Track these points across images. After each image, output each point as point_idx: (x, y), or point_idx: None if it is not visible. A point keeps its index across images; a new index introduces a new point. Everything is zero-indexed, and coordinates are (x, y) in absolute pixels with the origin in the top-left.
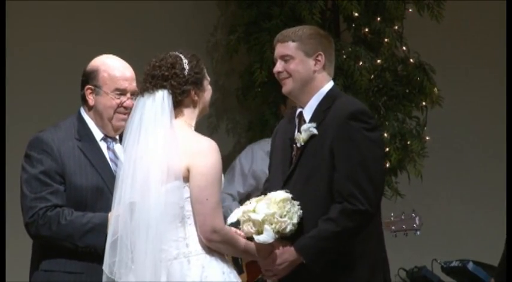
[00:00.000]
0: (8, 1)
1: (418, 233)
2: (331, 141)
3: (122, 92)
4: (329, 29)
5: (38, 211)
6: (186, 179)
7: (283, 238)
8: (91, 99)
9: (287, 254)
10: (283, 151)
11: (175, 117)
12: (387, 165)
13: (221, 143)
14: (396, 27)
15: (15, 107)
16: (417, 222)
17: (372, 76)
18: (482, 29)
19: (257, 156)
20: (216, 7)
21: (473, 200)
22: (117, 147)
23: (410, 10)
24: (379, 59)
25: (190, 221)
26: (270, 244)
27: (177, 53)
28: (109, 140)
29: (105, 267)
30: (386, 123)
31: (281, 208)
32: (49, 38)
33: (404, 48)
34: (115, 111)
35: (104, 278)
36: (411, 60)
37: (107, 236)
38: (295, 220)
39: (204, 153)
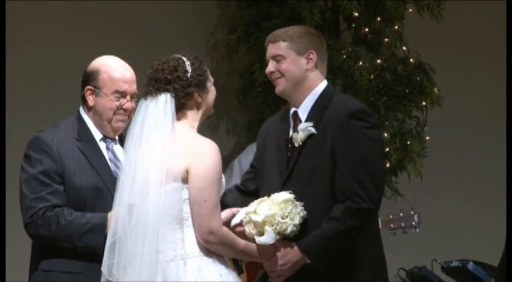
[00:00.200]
0: (8, 1)
1: (417, 230)
2: (331, 140)
3: (122, 94)
4: (329, 29)
5: (37, 211)
6: (185, 180)
7: (285, 239)
8: (91, 99)
9: (290, 254)
10: (279, 151)
11: (179, 119)
12: (387, 165)
13: (221, 143)
14: (396, 27)
15: (15, 107)
16: (416, 219)
17: (372, 76)
18: (482, 29)
19: None
20: (216, 7)
21: (473, 200)
22: (116, 147)
23: (410, 10)
24: (379, 59)
25: (189, 222)
26: (273, 245)
27: (179, 56)
28: (108, 140)
29: (104, 268)
30: (386, 123)
31: (282, 209)
32: (49, 38)
33: (404, 48)
34: (114, 113)
35: (103, 279)
36: (411, 60)
37: (106, 236)
38: (296, 221)
39: (204, 154)
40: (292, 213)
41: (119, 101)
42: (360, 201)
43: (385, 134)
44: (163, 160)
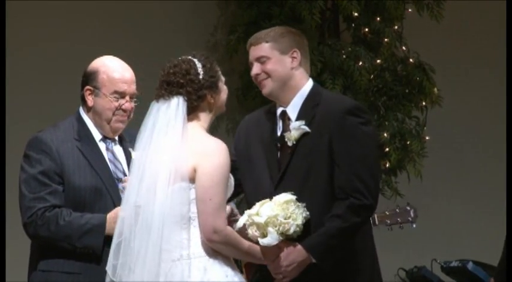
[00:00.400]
0: (8, 1)
1: (414, 225)
2: (329, 138)
3: (121, 95)
4: (329, 29)
5: (37, 211)
6: (193, 180)
7: (288, 239)
8: (90, 100)
9: (294, 254)
10: (266, 153)
11: (190, 121)
12: (387, 165)
13: None
14: (396, 27)
15: (15, 107)
16: (412, 214)
17: (372, 76)
18: (482, 29)
19: None
20: (216, 7)
21: (473, 200)
22: (116, 148)
23: (410, 10)
24: (379, 59)
25: (196, 223)
26: (276, 246)
27: (190, 58)
28: (108, 140)
29: (109, 268)
30: (386, 123)
31: (285, 210)
32: (49, 38)
33: (404, 48)
34: (113, 114)
35: (107, 279)
36: (411, 60)
37: (104, 237)
38: (299, 221)
39: (211, 153)
40: (295, 214)
41: (118, 101)
42: (361, 198)
43: (385, 134)
44: (172, 160)
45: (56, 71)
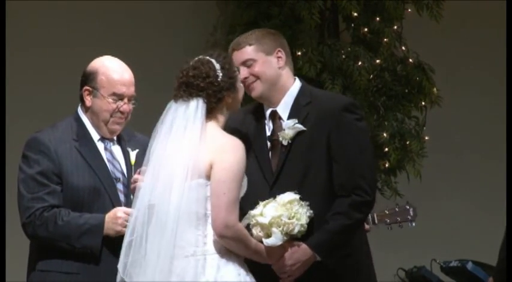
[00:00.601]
0: (8, 1)
1: (413, 224)
2: (327, 135)
3: (119, 97)
4: (328, 29)
5: (35, 211)
6: (209, 177)
7: (292, 239)
8: (88, 100)
9: (299, 253)
10: (258, 154)
11: (208, 120)
12: (386, 165)
13: None
14: (395, 27)
15: (15, 107)
16: (411, 213)
17: (371, 76)
18: (482, 29)
19: None
20: (215, 7)
21: (473, 200)
22: (114, 148)
23: (409, 10)
24: (378, 59)
25: (210, 220)
26: (281, 246)
27: (208, 58)
28: (106, 140)
29: (120, 266)
30: (386, 123)
31: (288, 210)
32: (49, 38)
33: (403, 48)
34: (111, 115)
35: (118, 278)
36: (410, 60)
37: (103, 237)
38: (303, 221)
39: (228, 150)
40: (299, 214)
41: (116, 103)
42: (363, 194)
43: (385, 134)
44: (189, 157)
45: (56, 71)
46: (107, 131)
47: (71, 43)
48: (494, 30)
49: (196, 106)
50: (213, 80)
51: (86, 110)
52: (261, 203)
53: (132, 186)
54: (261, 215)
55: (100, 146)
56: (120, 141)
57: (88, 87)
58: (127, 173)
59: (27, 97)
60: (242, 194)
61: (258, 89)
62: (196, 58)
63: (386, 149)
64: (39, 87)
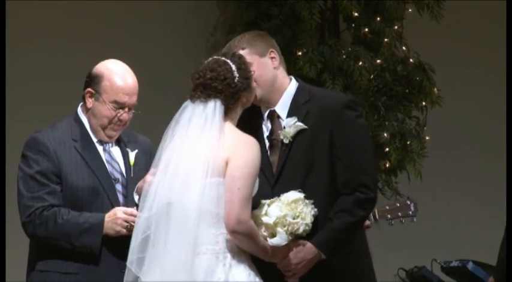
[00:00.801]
0: (8, 1)
1: (415, 219)
2: (329, 132)
3: (120, 106)
4: (329, 29)
5: (35, 211)
6: (225, 174)
7: (297, 238)
8: (89, 102)
9: (304, 252)
10: None
11: (225, 120)
12: (387, 165)
13: None
14: (396, 27)
15: (15, 107)
16: (412, 208)
17: (372, 76)
18: (482, 29)
19: None
20: (215, 7)
21: (473, 200)
22: (113, 149)
23: (410, 10)
24: (379, 59)
25: (223, 215)
26: (286, 245)
27: (225, 60)
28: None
29: (131, 263)
30: (386, 123)
31: (293, 209)
32: (49, 38)
33: (404, 48)
34: (110, 122)
35: (130, 277)
36: (411, 60)
37: (102, 236)
38: (308, 220)
39: (243, 147)
40: (304, 213)
41: (116, 111)
42: (367, 192)
43: (385, 134)
44: (208, 155)
45: (55, 71)
46: (103, 136)
47: (71, 43)
48: (494, 30)
49: (214, 107)
50: (230, 81)
51: (87, 110)
52: (266, 203)
53: (140, 184)
54: (266, 214)
55: (99, 147)
56: (119, 142)
57: (91, 90)
58: (126, 174)
59: (27, 97)
60: (254, 193)
61: (257, 93)
62: (211, 58)
63: (387, 149)
64: (39, 87)
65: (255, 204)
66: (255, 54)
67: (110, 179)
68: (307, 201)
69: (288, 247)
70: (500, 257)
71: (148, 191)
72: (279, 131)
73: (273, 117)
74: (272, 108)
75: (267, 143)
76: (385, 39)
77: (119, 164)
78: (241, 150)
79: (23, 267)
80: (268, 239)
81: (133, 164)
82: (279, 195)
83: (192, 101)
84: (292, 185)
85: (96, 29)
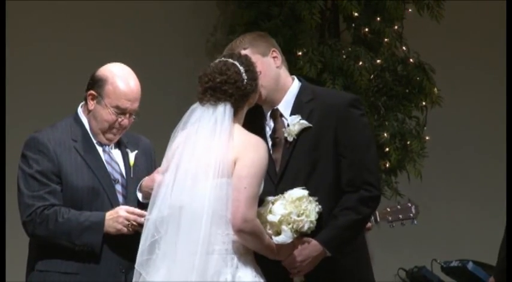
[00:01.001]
0: (8, 1)
1: (415, 222)
2: (334, 131)
3: (122, 111)
4: (329, 29)
5: (36, 210)
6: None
7: (302, 235)
8: (91, 104)
9: (308, 249)
10: None
11: (234, 122)
12: (387, 165)
13: None
14: (396, 27)
15: (15, 107)
16: (413, 211)
17: (372, 76)
18: (482, 29)
19: None
20: (215, 7)
21: (473, 200)
22: (113, 150)
23: (410, 10)
24: (379, 59)
25: (230, 214)
26: (291, 243)
27: (233, 62)
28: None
29: (139, 265)
30: (386, 123)
31: (297, 207)
32: (49, 38)
33: (404, 48)
34: (110, 127)
35: (137, 278)
36: (411, 60)
37: (103, 234)
38: (312, 217)
39: (251, 148)
40: (308, 210)
41: (117, 116)
42: (372, 189)
43: (385, 134)
44: (218, 155)
45: (55, 71)
46: (103, 139)
47: (71, 43)
48: (494, 30)
49: (224, 110)
50: (239, 84)
51: (88, 112)
52: (270, 200)
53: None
54: (270, 212)
55: (99, 147)
56: (119, 143)
57: (94, 92)
58: (126, 174)
59: (27, 97)
60: (259, 192)
61: (262, 93)
62: (218, 61)
63: (387, 149)
64: (39, 87)
65: (259, 202)
66: (257, 54)
67: (110, 180)
68: (311, 198)
69: (293, 245)
70: (500, 257)
71: (158, 192)
72: (283, 129)
73: (276, 116)
74: (275, 107)
75: (270, 142)
76: (385, 39)
77: (118, 165)
78: (249, 150)
79: (23, 267)
80: (273, 237)
81: (133, 164)
82: (282, 193)
83: (202, 104)
84: (296, 183)
85: (96, 29)
